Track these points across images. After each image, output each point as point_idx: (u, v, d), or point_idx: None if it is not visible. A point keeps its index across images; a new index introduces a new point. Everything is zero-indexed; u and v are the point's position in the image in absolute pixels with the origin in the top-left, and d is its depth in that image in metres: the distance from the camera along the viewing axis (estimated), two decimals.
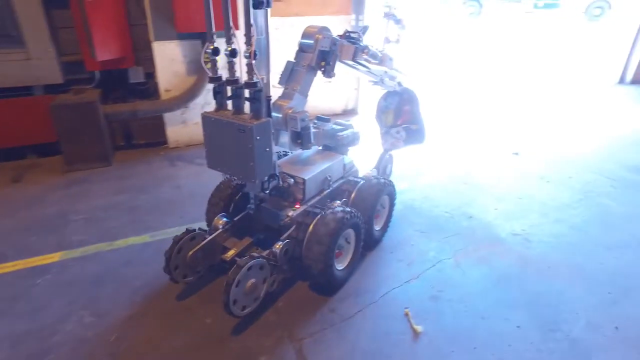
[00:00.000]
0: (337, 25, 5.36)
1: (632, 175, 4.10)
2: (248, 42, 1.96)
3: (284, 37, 5.15)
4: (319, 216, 2.37)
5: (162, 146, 4.75)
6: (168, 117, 4.55)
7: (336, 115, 5.82)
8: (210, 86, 4.55)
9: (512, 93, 7.22)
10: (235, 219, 2.58)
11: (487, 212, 3.43)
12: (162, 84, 4.40)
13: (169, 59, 4.31)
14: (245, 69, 2.07)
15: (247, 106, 2.17)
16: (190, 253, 2.36)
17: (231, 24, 2.10)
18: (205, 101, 4.64)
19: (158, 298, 2.53)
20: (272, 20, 5.59)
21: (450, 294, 2.55)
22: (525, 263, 2.82)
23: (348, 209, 2.46)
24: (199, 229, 2.53)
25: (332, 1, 5.20)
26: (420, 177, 4.00)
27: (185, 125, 4.67)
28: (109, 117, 4.21)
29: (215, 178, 3.94)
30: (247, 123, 2.03)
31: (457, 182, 3.92)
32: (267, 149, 2.13)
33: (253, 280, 2.17)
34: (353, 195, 2.79)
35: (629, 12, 7.84)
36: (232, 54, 2.03)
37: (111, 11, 3.93)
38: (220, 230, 2.50)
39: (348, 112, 5.93)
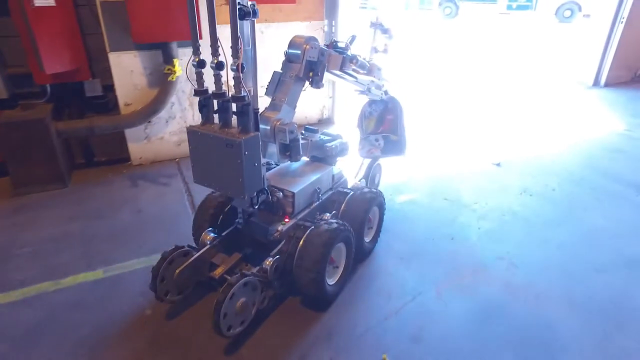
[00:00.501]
0: (309, 32, 5.08)
1: (615, 186, 3.95)
2: (235, 55, 1.89)
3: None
4: (309, 230, 2.29)
5: (126, 163, 4.39)
6: (130, 132, 4.19)
7: (311, 124, 5.54)
8: (173, 99, 4.26)
9: (489, 97, 7.08)
10: (223, 234, 2.48)
11: (469, 233, 3.21)
12: (121, 98, 4.04)
13: (128, 70, 3.95)
14: (231, 81, 2.00)
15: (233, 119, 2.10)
16: (178, 270, 2.24)
17: (198, 34, 2.05)
18: (169, 115, 4.31)
19: (109, 349, 2.21)
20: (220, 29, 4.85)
21: (432, 333, 2.31)
22: (511, 292, 2.61)
23: (339, 222, 2.39)
24: (188, 245, 2.42)
25: (303, 7, 4.92)
26: (398, 195, 3.75)
27: (148, 142, 4.32)
28: (62, 134, 3.83)
29: (178, 202, 3.68)
30: (235, 137, 1.96)
31: (437, 199, 3.69)
32: (256, 164, 2.08)
33: (243, 299, 2.09)
34: (343, 207, 2.71)
35: (600, 14, 7.78)
36: (219, 66, 1.95)
37: (59, 18, 3.55)
38: (208, 246, 2.39)
39: (324, 122, 5.66)
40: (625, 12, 7.43)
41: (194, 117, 4.44)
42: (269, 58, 5.12)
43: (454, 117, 5.98)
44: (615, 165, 4.40)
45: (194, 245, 2.53)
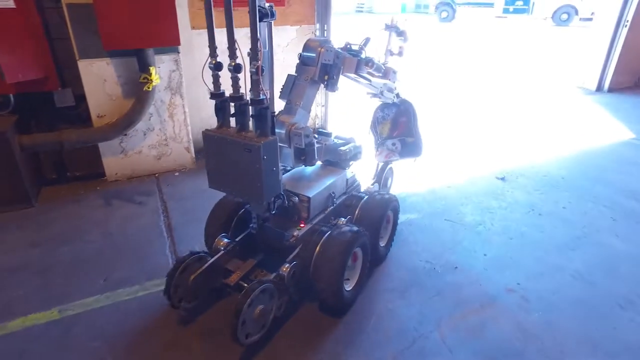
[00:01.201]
0: (299, 36, 4.74)
1: (631, 203, 3.61)
2: (255, 57, 1.83)
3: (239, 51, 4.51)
4: (326, 235, 2.24)
5: (101, 179, 4.02)
6: (104, 146, 3.84)
7: None
8: (152, 110, 3.90)
9: (489, 105, 6.75)
10: (237, 239, 2.39)
11: (474, 260, 2.86)
12: (93, 109, 3.68)
13: (100, 79, 3.60)
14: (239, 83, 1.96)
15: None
16: (192, 277, 2.14)
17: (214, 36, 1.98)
18: (148, 127, 3.95)
19: None
20: (223, 32, 4.78)
21: None
22: (525, 334, 2.25)
23: (356, 228, 2.33)
24: (203, 252, 2.35)
25: (293, 10, 4.58)
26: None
27: (125, 156, 3.96)
28: (26, 149, 3.47)
29: (153, 225, 3.30)
30: (254, 142, 1.90)
31: (438, 219, 3.35)
32: (274, 168, 2.01)
33: (261, 306, 2.02)
34: (357, 211, 2.65)
35: (603, 18, 7.48)
36: (237, 69, 1.88)
37: (20, 22, 3.20)
38: (222, 251, 2.30)
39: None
40: (629, 15, 7.14)
41: (175, 129, 4.08)
42: None
43: (452, 126, 5.64)
44: (628, 179, 4.06)
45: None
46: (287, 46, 4.74)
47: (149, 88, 3.60)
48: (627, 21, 7.19)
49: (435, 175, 4.10)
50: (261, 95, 1.88)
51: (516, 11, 23.35)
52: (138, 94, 3.65)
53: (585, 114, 6.27)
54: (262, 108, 1.91)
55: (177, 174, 4.17)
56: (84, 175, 4.05)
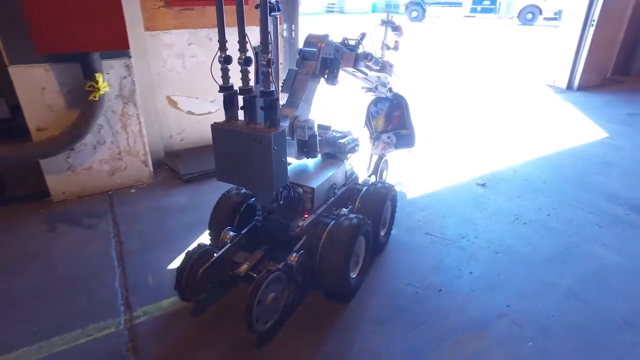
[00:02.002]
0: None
1: (613, 208, 3.45)
2: (265, 50, 1.86)
3: (201, 52, 4.14)
4: (330, 225, 2.30)
5: (47, 199, 3.56)
6: (46, 163, 3.38)
7: None
8: (101, 121, 3.47)
9: (462, 105, 6.59)
10: (243, 232, 2.41)
11: (460, 280, 2.60)
12: (31, 121, 3.22)
13: (37, 88, 3.15)
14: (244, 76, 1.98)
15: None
16: (201, 270, 2.17)
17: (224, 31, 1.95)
18: (98, 140, 3.52)
19: None
20: (181, 34, 4.25)
21: None
22: None
23: (360, 217, 2.39)
24: (209, 245, 2.34)
25: (257, 11, 4.22)
26: None
27: (73, 173, 3.51)
28: None
29: (102, 253, 2.85)
30: (264, 133, 1.92)
31: (418, 234, 3.08)
32: (283, 159, 2.04)
33: (273, 294, 2.07)
34: (358, 201, 2.73)
35: (571, 17, 7.46)
36: (247, 62, 1.91)
37: None
38: (229, 244, 2.31)
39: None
40: (595, 15, 7.14)
41: (129, 142, 3.66)
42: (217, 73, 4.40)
43: (426, 130, 5.42)
44: (607, 181, 3.92)
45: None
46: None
47: (95, 97, 3.17)
48: (594, 20, 7.19)
49: (414, 184, 3.84)
50: (271, 87, 1.90)
51: (484, 11, 23.67)
52: (84, 103, 3.22)
53: (559, 113, 6.18)
54: (272, 100, 1.92)
55: (133, 190, 3.75)
56: (26, 195, 3.57)
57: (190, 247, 2.28)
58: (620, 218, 3.30)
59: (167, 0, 3.76)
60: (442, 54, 12.15)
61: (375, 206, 2.68)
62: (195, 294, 2.23)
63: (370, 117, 3.41)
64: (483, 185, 3.81)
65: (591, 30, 7.23)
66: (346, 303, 2.39)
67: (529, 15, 22.37)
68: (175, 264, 2.74)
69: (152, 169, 3.88)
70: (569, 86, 7.62)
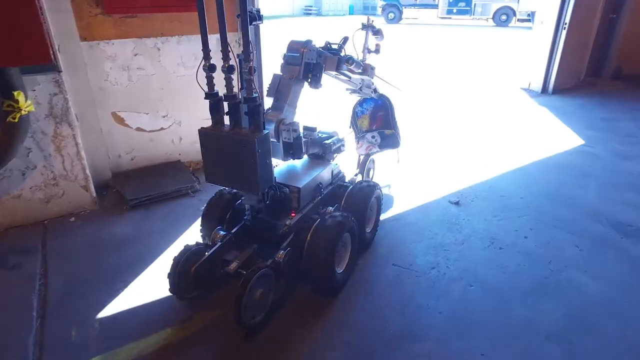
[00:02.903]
0: (218, 46, 4.02)
1: (593, 226, 3.20)
2: (247, 59, 1.91)
3: (148, 64, 3.73)
4: (316, 223, 2.35)
5: None
6: None
7: None
8: (29, 143, 3.01)
9: (436, 112, 6.34)
10: (233, 231, 2.46)
11: (428, 321, 2.28)
12: None
13: None
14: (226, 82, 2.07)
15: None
16: (193, 269, 2.24)
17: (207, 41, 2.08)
18: (27, 165, 3.09)
19: None
20: (125, 44, 3.72)
21: None
22: None
23: (344, 214, 2.44)
24: (197, 243, 2.43)
25: (210, 16, 3.85)
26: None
27: None
28: None
29: (21, 300, 2.37)
30: (249, 137, 2.00)
31: (384, 264, 2.75)
32: (267, 161, 2.12)
33: (261, 290, 2.13)
34: (344, 200, 2.79)
35: (543, 20, 7.30)
36: (230, 70, 1.98)
37: None
38: (219, 243, 2.37)
39: None
40: (567, 18, 6.99)
41: (65, 165, 3.23)
42: (171, 81, 4.03)
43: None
44: (586, 195, 3.68)
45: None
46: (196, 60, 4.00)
47: (15, 118, 2.75)
48: (566, 23, 7.05)
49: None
50: (254, 93, 1.99)
51: (459, 12, 23.70)
52: (3, 125, 2.79)
53: (534, 119, 5.98)
54: (256, 105, 2.00)
55: (72, 219, 3.33)
56: None
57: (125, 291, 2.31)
58: (601, 238, 3.04)
59: (105, 6, 3.34)
60: (419, 56, 11.95)
61: (362, 204, 2.74)
62: (188, 291, 2.30)
63: (355, 117, 3.45)
64: (457, 203, 3.52)
65: (564, 34, 7.09)
66: (333, 297, 2.44)
67: (503, 17, 22.51)
68: (108, 311, 2.36)
69: (94, 194, 3.46)
70: (544, 89, 7.46)
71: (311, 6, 29.83)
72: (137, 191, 3.57)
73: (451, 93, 7.62)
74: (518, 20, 22.23)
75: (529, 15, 20.93)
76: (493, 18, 22.84)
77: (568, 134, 5.32)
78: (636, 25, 8.28)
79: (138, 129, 3.91)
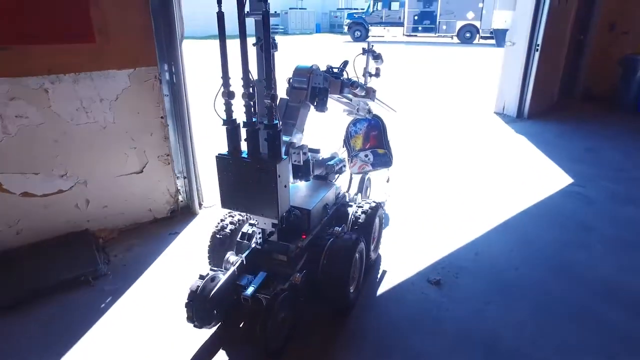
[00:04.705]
0: (135, 83, 3.13)
1: (615, 316, 2.46)
2: (269, 87, 1.93)
3: (32, 110, 2.79)
4: (329, 243, 2.35)
5: None
6: None
7: (160, 219, 3.58)
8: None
9: (403, 144, 5.61)
10: (244, 255, 2.35)
11: None
12: None
13: None
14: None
15: None
16: (210, 296, 2.10)
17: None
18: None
19: None
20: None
21: None
22: None
23: (355, 235, 2.44)
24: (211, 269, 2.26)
25: (117, 48, 2.94)
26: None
27: None
28: None
29: None
30: (269, 163, 1.99)
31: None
32: (286, 186, 2.10)
33: (282, 314, 2.09)
34: (350, 220, 2.72)
35: (517, 40, 6.82)
36: (250, 97, 2.01)
37: None
38: (233, 268, 2.25)
39: (180, 214, 3.71)
40: (539, 39, 6.52)
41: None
42: (69, 132, 3.08)
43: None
44: (595, 262, 2.95)
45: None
46: (116, 100, 3.09)
47: None
48: (538, 45, 6.58)
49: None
50: (275, 120, 1.97)
51: (425, 30, 23.71)
52: None
53: (514, 151, 5.35)
54: (276, 132, 1.98)
55: None
56: None
57: None
58: (631, 339, 2.29)
59: None
60: (386, 76, 11.40)
61: (366, 223, 2.71)
62: (208, 321, 2.16)
63: (349, 137, 3.43)
64: (437, 283, 2.72)
65: (537, 55, 6.61)
66: (346, 316, 2.40)
67: (468, 34, 22.61)
68: None
69: None
70: (519, 114, 6.94)
71: (277, 25, 29.34)
72: (10, 284, 2.60)
73: (421, 119, 6.96)
74: (481, 37, 22.39)
75: (491, 32, 21.07)
76: (457, 35, 22.92)
77: (553, 169, 4.69)
78: (603, 45, 7.99)
79: (24, 194, 2.94)
